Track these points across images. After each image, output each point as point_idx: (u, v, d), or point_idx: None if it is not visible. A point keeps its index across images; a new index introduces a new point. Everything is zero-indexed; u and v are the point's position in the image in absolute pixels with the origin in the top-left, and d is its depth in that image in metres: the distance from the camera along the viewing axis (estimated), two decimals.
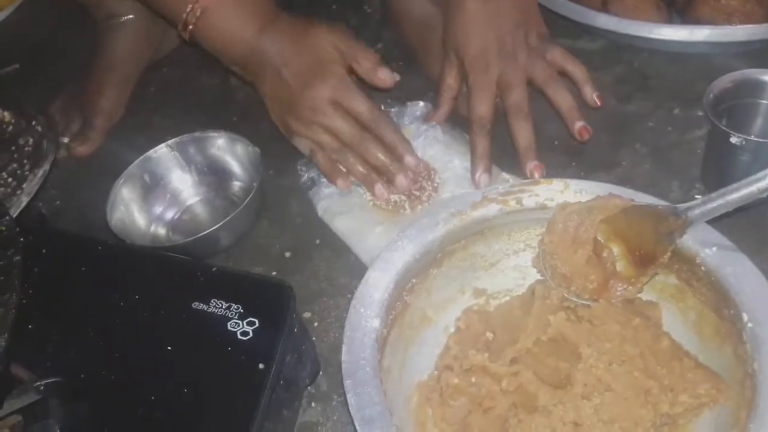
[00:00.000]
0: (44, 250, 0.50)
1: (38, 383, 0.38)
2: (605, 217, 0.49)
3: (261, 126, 0.67)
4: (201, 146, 0.65)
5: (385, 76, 0.62)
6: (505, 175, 0.62)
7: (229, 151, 0.65)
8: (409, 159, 0.60)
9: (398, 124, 0.64)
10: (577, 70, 0.63)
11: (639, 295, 0.50)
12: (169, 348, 0.44)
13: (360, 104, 0.60)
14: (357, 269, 0.58)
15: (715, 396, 0.45)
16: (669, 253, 0.47)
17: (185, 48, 0.72)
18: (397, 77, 0.63)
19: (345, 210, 0.62)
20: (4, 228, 0.33)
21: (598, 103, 0.62)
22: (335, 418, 0.51)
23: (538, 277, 0.52)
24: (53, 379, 0.39)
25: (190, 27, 0.61)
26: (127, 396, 0.42)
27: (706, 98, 0.56)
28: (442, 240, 0.51)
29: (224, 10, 0.60)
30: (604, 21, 0.70)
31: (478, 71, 0.62)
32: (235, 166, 0.65)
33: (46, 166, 0.56)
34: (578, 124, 0.61)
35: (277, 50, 0.61)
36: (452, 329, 0.52)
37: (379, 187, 0.60)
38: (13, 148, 0.64)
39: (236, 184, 0.66)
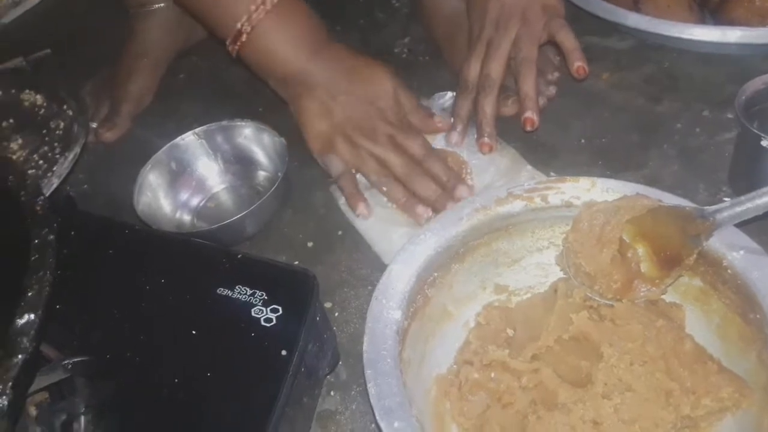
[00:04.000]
0: (72, 232, 0.51)
1: (66, 362, 0.39)
2: (631, 217, 0.49)
3: (287, 117, 0.67)
4: (228, 135, 0.65)
5: (441, 122, 0.65)
6: (529, 168, 0.62)
7: (256, 141, 0.65)
8: (461, 190, 0.59)
9: None
10: (566, 41, 0.63)
11: (663, 297, 0.49)
12: (194, 332, 0.44)
13: (416, 144, 0.61)
14: (378, 262, 0.59)
15: (738, 400, 0.44)
16: (695, 256, 0.47)
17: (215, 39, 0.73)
18: (449, 122, 0.65)
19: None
20: (39, 208, 0.34)
21: (580, 74, 0.62)
22: (354, 407, 0.51)
23: (561, 275, 0.52)
24: (80, 358, 0.39)
25: (239, 43, 0.62)
26: (151, 377, 0.42)
27: (737, 100, 0.55)
28: (466, 235, 0.51)
29: (273, 31, 0.61)
30: (634, 20, 0.69)
31: (496, 31, 0.63)
32: (261, 156, 0.66)
33: (77, 150, 0.57)
34: (577, 63, 0.62)
35: (329, 75, 0.62)
36: (472, 324, 0.52)
37: (421, 208, 0.59)
38: (44, 131, 0.65)
39: (261, 174, 0.66)
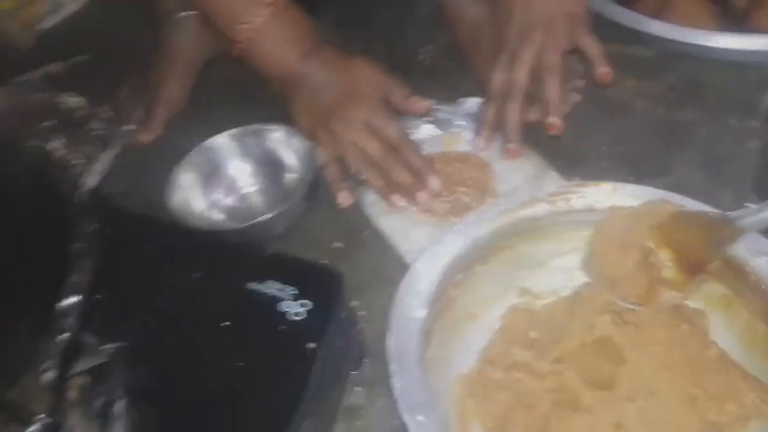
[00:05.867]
0: (110, 227, 0.53)
1: (106, 346, 0.40)
2: (655, 223, 0.49)
3: None
4: (259, 138, 0.67)
5: (418, 103, 0.66)
6: (554, 173, 0.62)
7: (286, 144, 0.67)
8: (433, 183, 0.62)
9: (450, 121, 0.65)
10: (590, 47, 0.64)
11: (687, 303, 0.50)
12: (226, 323, 0.46)
13: (390, 128, 0.63)
14: (402, 262, 0.60)
15: (761, 407, 0.44)
16: (718, 262, 0.47)
17: None
18: (429, 103, 0.66)
19: (391, 210, 0.63)
20: (81, 201, 0.36)
21: (605, 79, 0.63)
22: (378, 403, 0.52)
23: (585, 279, 0.52)
24: (119, 344, 0.41)
25: (239, 46, 0.65)
26: (184, 365, 0.44)
27: (763, 108, 0.56)
28: (490, 237, 0.52)
29: (269, 36, 0.65)
30: (657, 28, 0.70)
31: (520, 39, 0.64)
32: (291, 158, 0.67)
33: (115, 149, 0.59)
34: (602, 69, 0.63)
35: (317, 74, 0.65)
36: (496, 326, 0.53)
37: (396, 197, 0.62)
38: (83, 132, 0.68)
39: (290, 176, 0.68)
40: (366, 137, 0.63)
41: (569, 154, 0.66)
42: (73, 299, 0.29)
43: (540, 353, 0.48)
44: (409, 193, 0.62)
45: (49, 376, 0.26)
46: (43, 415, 0.25)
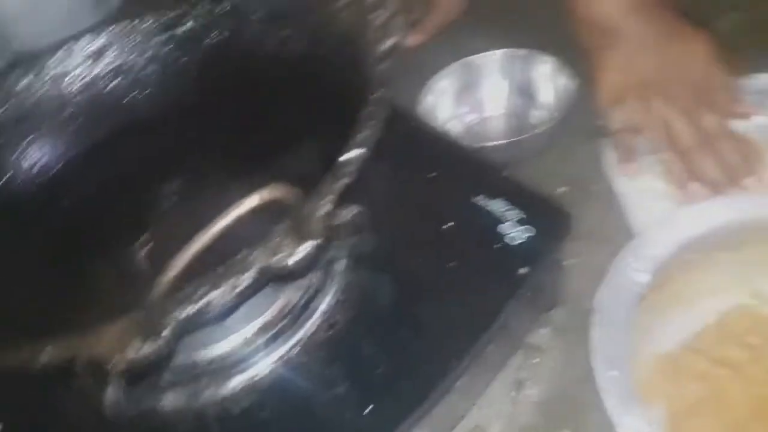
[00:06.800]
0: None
1: (348, 208, 0.45)
2: None
3: (586, 61, 0.67)
4: (525, 65, 0.67)
5: (744, 108, 0.59)
6: None
7: (550, 78, 0.66)
8: (749, 183, 0.55)
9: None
10: None
11: None
12: (449, 225, 0.48)
13: (712, 119, 0.58)
14: (626, 229, 0.57)
15: None
16: None
17: None
18: (753, 110, 0.59)
19: (634, 175, 0.60)
20: (381, 68, 0.39)
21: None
22: (561, 347, 0.52)
23: None
24: (359, 208, 0.45)
25: None
26: (402, 250, 0.47)
27: None
28: (739, 226, 0.48)
29: None
30: None
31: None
32: (548, 93, 0.66)
33: (396, 39, 0.63)
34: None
35: (644, 33, 0.61)
36: (712, 318, 0.49)
37: (695, 186, 0.56)
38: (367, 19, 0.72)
39: (542, 111, 0.67)
40: (683, 120, 0.58)
41: None
42: (358, 151, 0.32)
43: (756, 359, 0.45)
44: (715, 188, 0.56)
45: (329, 207, 0.30)
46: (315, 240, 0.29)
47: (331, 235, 0.30)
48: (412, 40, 0.78)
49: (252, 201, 0.29)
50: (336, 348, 0.43)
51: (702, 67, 0.60)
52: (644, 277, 0.46)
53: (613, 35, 0.62)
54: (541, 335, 0.53)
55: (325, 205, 0.30)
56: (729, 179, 0.55)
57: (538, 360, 0.52)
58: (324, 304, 0.44)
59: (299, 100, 0.45)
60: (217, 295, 0.29)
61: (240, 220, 0.29)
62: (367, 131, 0.33)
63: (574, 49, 0.71)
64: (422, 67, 0.69)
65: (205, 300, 0.29)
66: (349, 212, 0.44)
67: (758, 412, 0.43)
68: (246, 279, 0.29)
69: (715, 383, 0.45)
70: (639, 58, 0.61)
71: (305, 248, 0.29)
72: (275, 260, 0.29)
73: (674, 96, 0.59)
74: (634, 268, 0.46)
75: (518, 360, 0.52)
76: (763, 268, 0.49)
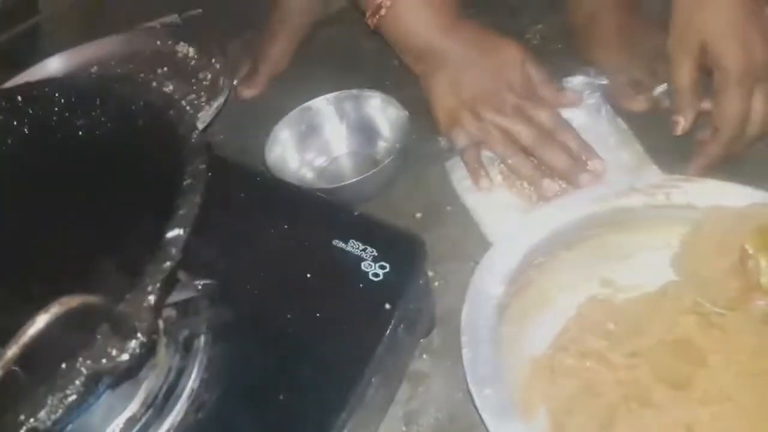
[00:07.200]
0: (209, 173, 0.56)
1: (196, 282, 0.43)
2: (758, 226, 0.47)
3: (413, 92, 0.69)
4: (356, 103, 0.68)
5: (569, 96, 0.63)
6: (654, 168, 0.60)
7: (381, 111, 0.68)
8: (596, 164, 0.58)
9: None
10: None
11: None
12: (308, 275, 0.47)
13: (544, 114, 0.61)
14: (483, 240, 0.59)
15: None
16: None
17: (352, 10, 0.76)
18: (579, 96, 0.63)
19: (479, 188, 0.62)
20: (194, 140, 0.38)
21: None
22: (443, 373, 0.52)
23: (672, 277, 0.51)
24: (208, 281, 0.43)
25: (378, 17, 0.64)
26: (266, 309, 0.46)
27: None
28: (579, 224, 0.51)
29: (415, 5, 0.64)
30: None
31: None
32: (384, 126, 0.68)
33: (221, 100, 0.62)
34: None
35: (460, 52, 0.64)
36: (572, 313, 0.52)
37: (548, 182, 0.59)
38: (193, 80, 0.71)
39: (382, 144, 0.69)
40: (519, 123, 0.61)
41: (676, 150, 0.63)
42: (178, 231, 0.31)
43: (615, 345, 0.47)
44: (568, 177, 0.58)
45: (152, 299, 0.28)
46: (141, 336, 0.27)
47: (167, 320, 0.28)
48: (247, 93, 0.78)
49: (52, 312, 0.26)
50: (208, 430, 0.40)
51: (521, 70, 0.63)
52: (499, 289, 0.47)
53: (432, 59, 0.65)
54: (424, 360, 0.54)
55: (149, 294, 0.28)
56: (577, 166, 0.58)
57: (423, 388, 0.52)
58: (188, 387, 0.41)
59: (116, 186, 0.43)
60: (43, 415, 0.26)
61: (48, 331, 0.26)
62: (186, 209, 0.32)
63: (394, 83, 0.74)
64: (266, 116, 0.69)
65: (31, 423, 0.26)
66: (199, 286, 0.42)
67: (627, 395, 0.45)
68: (74, 389, 0.26)
69: (585, 375, 0.47)
70: (462, 76, 0.64)
71: (133, 346, 0.27)
72: (104, 364, 0.27)
73: (503, 103, 0.62)
74: (489, 282, 0.48)
75: (406, 392, 0.52)
76: (606, 258, 0.53)
